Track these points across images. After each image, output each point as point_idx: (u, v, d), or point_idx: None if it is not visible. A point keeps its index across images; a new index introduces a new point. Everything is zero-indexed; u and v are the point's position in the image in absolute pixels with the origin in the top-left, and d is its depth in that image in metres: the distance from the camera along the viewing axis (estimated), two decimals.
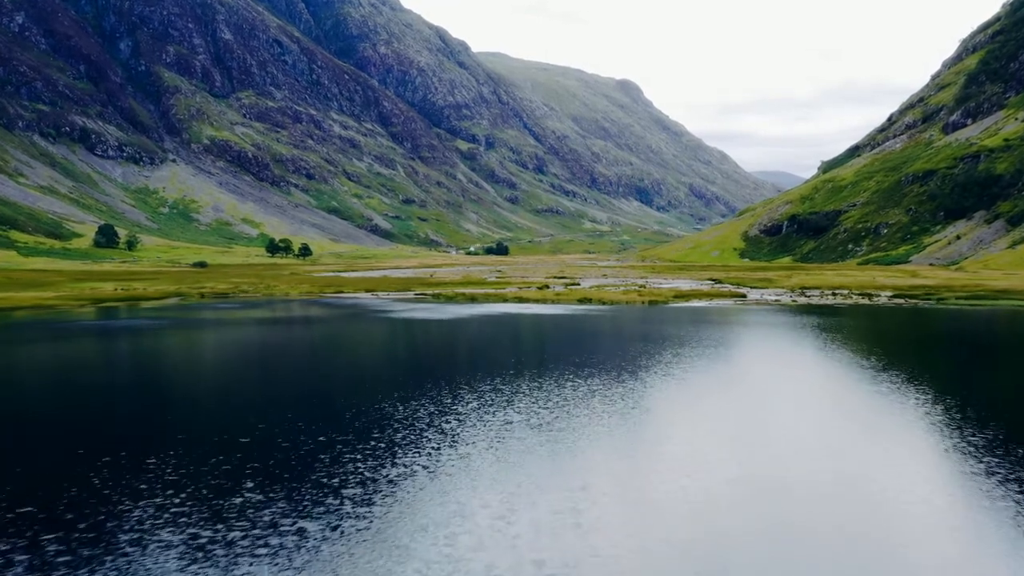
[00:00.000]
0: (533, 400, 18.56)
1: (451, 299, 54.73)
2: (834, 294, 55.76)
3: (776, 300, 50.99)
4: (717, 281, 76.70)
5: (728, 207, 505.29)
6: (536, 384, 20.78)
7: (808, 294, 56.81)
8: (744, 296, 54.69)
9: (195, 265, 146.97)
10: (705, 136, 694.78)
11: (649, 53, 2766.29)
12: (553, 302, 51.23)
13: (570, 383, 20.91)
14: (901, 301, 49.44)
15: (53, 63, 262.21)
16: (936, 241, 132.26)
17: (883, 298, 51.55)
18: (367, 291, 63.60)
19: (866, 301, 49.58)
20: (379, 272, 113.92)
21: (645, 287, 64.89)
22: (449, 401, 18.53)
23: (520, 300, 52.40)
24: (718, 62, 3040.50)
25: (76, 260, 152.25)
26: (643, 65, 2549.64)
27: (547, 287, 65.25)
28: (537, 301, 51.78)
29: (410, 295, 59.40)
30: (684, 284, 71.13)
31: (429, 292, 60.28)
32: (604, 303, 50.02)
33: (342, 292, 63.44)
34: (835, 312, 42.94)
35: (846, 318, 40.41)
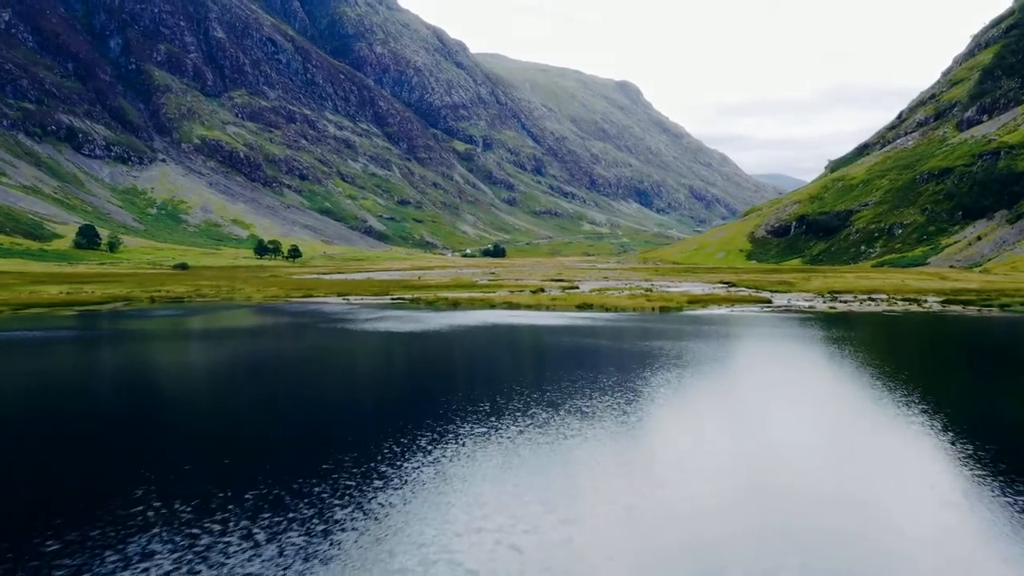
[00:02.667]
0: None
1: (430, 304, 47.65)
2: (871, 299, 48.46)
3: (810, 307, 43.63)
4: (731, 284, 69.56)
5: (729, 209, 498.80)
6: (506, 456, 13.69)
7: (841, 299, 49.55)
8: (769, 301, 47.43)
9: (176, 267, 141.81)
10: (702, 138, 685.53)
11: (647, 55, 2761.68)
12: (548, 308, 44.17)
13: (572, 442, 13.83)
14: (958, 308, 42.11)
15: (40, 61, 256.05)
16: (955, 242, 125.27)
17: (933, 304, 44.15)
18: (339, 295, 56.48)
19: (917, 308, 42.26)
20: (365, 274, 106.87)
21: (651, 291, 57.81)
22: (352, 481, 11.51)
23: (510, 306, 45.29)
24: (715, 64, 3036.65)
25: (52, 262, 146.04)
26: (641, 67, 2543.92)
27: (542, 291, 58.12)
28: (529, 307, 44.70)
29: (386, 299, 52.33)
30: (695, 288, 63.97)
31: (407, 296, 53.18)
32: (607, 310, 42.96)
33: (311, 296, 56.37)
34: (895, 322, 35.60)
35: (920, 330, 33.10)
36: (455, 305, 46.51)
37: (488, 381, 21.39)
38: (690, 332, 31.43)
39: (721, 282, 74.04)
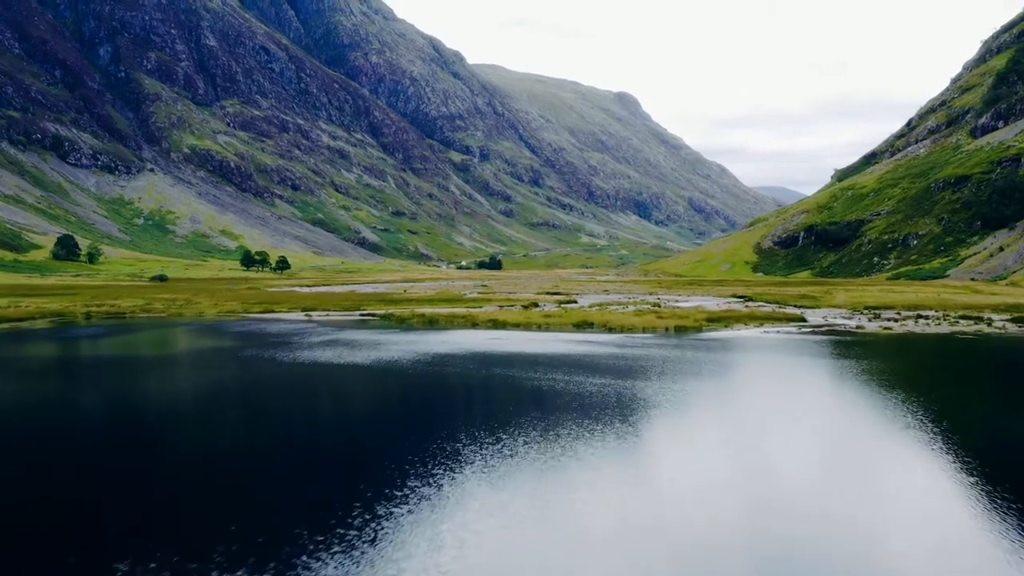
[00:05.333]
0: None
1: (403, 322, 40.53)
2: (922, 317, 41.14)
3: (857, 327, 36.21)
4: (746, 298, 62.40)
5: (728, 221, 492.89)
6: None
7: (884, 316, 42.29)
8: (802, 319, 40.13)
9: (154, 279, 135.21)
10: (699, 150, 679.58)
11: (645, 67, 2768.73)
12: (540, 327, 37.05)
13: None
14: None
15: (27, 68, 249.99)
16: (975, 253, 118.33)
17: (1006, 325, 36.38)
18: (303, 310, 49.30)
19: (988, 329, 34.88)
20: (349, 287, 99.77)
21: (660, 306, 50.71)
22: None
23: (495, 324, 38.12)
24: (709, 76, 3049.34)
25: (25, 273, 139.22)
26: (636, 78, 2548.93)
27: (535, 306, 50.93)
28: (518, 326, 37.56)
29: (355, 316, 45.20)
30: (707, 302, 56.79)
31: (380, 312, 46.02)
32: (611, 329, 35.83)
33: (272, 311, 49.21)
34: (995, 350, 28.21)
35: None
36: (431, 323, 39.37)
37: (415, 472, 14.18)
38: (733, 365, 24.06)
39: (733, 296, 67.00)
